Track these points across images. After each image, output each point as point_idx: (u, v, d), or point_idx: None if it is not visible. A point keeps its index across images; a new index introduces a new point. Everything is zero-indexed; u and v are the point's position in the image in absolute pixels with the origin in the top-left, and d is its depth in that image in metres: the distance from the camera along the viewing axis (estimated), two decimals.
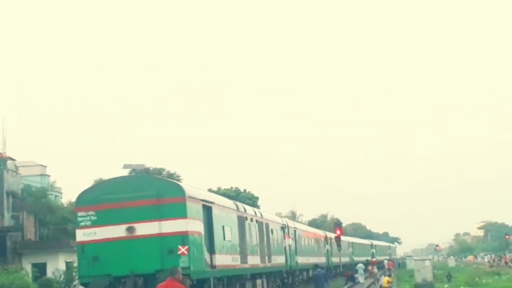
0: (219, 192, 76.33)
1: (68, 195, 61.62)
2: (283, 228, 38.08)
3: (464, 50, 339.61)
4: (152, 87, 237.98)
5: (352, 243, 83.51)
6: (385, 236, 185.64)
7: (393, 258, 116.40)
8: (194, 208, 21.26)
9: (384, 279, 47.42)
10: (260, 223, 31.34)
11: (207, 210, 22.65)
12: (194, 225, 20.99)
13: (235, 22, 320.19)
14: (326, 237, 60.04)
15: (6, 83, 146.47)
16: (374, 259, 75.27)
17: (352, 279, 54.23)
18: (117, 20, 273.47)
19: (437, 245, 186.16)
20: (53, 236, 54.63)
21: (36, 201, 55.84)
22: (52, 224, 57.70)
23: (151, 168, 60.21)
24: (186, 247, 20.06)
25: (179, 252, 19.96)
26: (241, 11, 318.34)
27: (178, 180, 62.77)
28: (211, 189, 78.03)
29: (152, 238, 20.06)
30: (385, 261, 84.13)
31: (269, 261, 32.15)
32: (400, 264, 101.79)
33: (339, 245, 58.49)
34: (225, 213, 25.28)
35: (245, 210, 29.05)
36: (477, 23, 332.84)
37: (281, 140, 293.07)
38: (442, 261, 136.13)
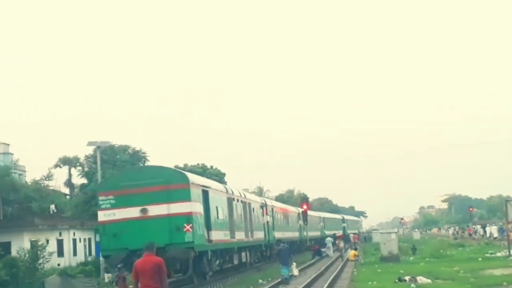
0: (186, 168, 75.96)
1: (32, 173, 60.85)
2: (262, 206, 42.43)
3: (464, 50, 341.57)
4: (152, 87, 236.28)
5: (324, 217, 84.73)
6: (351, 210, 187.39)
7: (359, 232, 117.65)
8: (196, 193, 25.59)
9: (351, 253, 47.89)
10: (244, 203, 35.60)
11: (205, 193, 27.00)
12: (196, 207, 25.27)
13: (235, 22, 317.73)
14: (299, 214, 61.24)
15: (6, 83, 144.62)
16: (339, 234, 76.03)
17: (319, 253, 54.58)
18: (117, 20, 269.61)
19: (402, 218, 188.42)
20: (17, 215, 53.91)
21: None
22: (16, 202, 56.90)
23: (116, 145, 59.59)
24: (190, 225, 24.30)
25: (184, 229, 24.23)
26: (241, 11, 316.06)
27: (144, 156, 62.36)
28: (177, 165, 77.70)
29: (162, 218, 24.21)
30: (351, 235, 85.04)
31: (252, 236, 36.43)
32: (366, 238, 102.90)
33: (305, 220, 59.12)
34: (218, 196, 29.78)
35: (232, 192, 33.52)
36: (477, 23, 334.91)
37: (247, 114, 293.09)
38: (407, 234, 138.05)
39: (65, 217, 57.86)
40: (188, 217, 24.31)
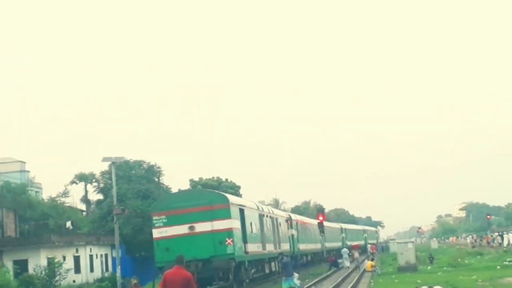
0: (201, 182, 76.07)
1: (49, 190, 61.13)
2: (287, 220, 46.54)
3: (464, 50, 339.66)
4: (152, 87, 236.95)
5: (345, 229, 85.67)
6: (368, 221, 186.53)
7: (377, 242, 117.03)
8: (235, 211, 29.89)
9: (368, 263, 47.54)
10: (272, 218, 39.63)
11: (241, 211, 31.23)
12: (235, 224, 29.49)
13: (235, 22, 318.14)
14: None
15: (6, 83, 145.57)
16: (356, 244, 75.73)
17: (335, 264, 54.27)
18: (117, 20, 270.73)
19: (419, 228, 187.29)
20: (34, 232, 54.15)
21: (16, 198, 55.26)
22: (33, 220, 57.19)
23: (131, 160, 59.76)
24: (231, 239, 28.50)
25: (226, 243, 28.42)
26: (241, 11, 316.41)
27: (159, 171, 62.47)
28: (192, 179, 77.82)
29: (207, 233, 28.42)
30: (368, 245, 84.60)
31: (279, 248, 39.85)
32: (383, 248, 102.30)
33: (322, 231, 58.80)
34: (252, 213, 33.80)
35: (262, 209, 37.99)
36: (477, 23, 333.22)
37: (262, 127, 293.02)
38: (425, 243, 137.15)
39: (81, 233, 58.07)
40: (229, 233, 28.56)
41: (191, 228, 28.37)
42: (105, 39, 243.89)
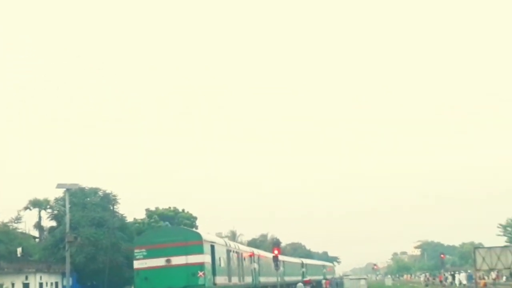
0: (157, 212, 75.68)
1: (1, 215, 59.91)
2: (250, 256, 49.94)
3: (464, 50, 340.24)
4: (152, 87, 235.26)
5: (306, 264, 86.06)
6: (324, 256, 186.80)
7: (331, 277, 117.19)
8: (207, 247, 33.74)
9: None
10: (237, 253, 43.60)
11: (212, 247, 35.09)
12: (207, 258, 33.35)
13: (235, 22, 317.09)
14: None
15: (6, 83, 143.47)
16: (307, 279, 76.01)
17: None
18: (117, 20, 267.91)
19: (375, 264, 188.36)
20: None
21: None
22: None
23: (86, 188, 59.23)
24: (203, 272, 32.37)
25: (198, 275, 32.27)
26: (241, 11, 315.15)
27: (115, 199, 61.95)
28: (149, 209, 77.31)
29: (182, 266, 32.20)
30: (323, 281, 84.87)
31: (243, 280, 43.97)
32: (338, 283, 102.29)
33: (276, 265, 58.95)
34: (221, 249, 37.86)
35: (230, 245, 42.41)
36: (477, 23, 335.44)
37: (221, 158, 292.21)
38: (380, 280, 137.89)
39: (32, 260, 57.02)
40: (201, 266, 32.46)
41: (168, 261, 32.20)
42: (105, 39, 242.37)
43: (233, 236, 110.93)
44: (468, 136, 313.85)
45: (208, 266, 33.55)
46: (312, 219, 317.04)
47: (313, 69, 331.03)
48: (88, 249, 54.25)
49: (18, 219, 65.34)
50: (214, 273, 34.70)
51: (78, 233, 48.43)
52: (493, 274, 76.14)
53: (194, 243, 32.90)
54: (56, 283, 56.10)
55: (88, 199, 59.99)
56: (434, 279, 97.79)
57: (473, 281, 55.84)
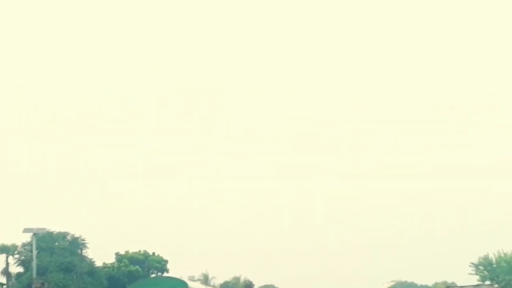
0: (127, 256, 74.56)
1: None
2: None
3: (464, 50, 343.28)
4: (152, 87, 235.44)
5: None
6: None
7: None
8: None
9: None
10: None
11: None
12: None
13: (235, 22, 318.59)
14: None
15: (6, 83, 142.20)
16: None
17: None
18: (117, 20, 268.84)
19: None
20: None
21: None
22: None
23: (54, 232, 58.32)
24: None
25: None
26: (240, 11, 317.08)
27: (84, 243, 61.07)
28: (118, 252, 76.11)
29: None
30: None
31: None
32: None
33: None
34: None
35: None
36: (477, 23, 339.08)
37: (247, 115, 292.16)
38: None
39: None
40: None
41: None
42: (105, 39, 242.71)
43: (205, 279, 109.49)
44: (468, 136, 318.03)
45: None
46: (285, 259, 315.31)
47: (313, 69, 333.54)
48: None
49: None
50: None
51: (46, 279, 47.56)
52: None
53: None
54: None
55: (57, 243, 59.11)
56: None
57: None
